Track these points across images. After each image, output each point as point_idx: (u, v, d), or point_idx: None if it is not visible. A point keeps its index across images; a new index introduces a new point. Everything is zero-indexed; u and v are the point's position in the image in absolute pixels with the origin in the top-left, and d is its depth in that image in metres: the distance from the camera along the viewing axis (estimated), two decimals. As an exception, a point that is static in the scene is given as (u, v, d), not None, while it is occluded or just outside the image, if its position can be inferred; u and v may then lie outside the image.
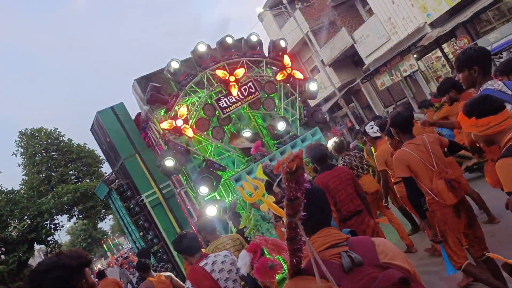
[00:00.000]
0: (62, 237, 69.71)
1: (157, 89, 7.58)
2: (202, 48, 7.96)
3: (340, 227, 4.40)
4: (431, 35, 17.57)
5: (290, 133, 8.15)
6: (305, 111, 8.59)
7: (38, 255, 31.42)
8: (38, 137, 29.98)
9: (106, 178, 10.44)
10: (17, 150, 30.08)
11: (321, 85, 26.14)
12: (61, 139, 30.31)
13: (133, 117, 8.87)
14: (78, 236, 59.86)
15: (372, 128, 5.83)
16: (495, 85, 3.16)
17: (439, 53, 19.40)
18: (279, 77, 8.53)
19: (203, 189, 7.13)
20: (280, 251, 1.72)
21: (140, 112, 8.51)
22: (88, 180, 29.23)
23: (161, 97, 7.60)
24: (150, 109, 7.88)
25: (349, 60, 26.14)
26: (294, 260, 1.45)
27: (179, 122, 7.16)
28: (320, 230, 1.64)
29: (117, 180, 9.25)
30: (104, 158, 19.61)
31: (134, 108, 8.81)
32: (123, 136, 8.46)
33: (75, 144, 30.58)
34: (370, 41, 21.27)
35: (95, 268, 55.26)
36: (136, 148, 8.50)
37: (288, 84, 8.65)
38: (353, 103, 26.96)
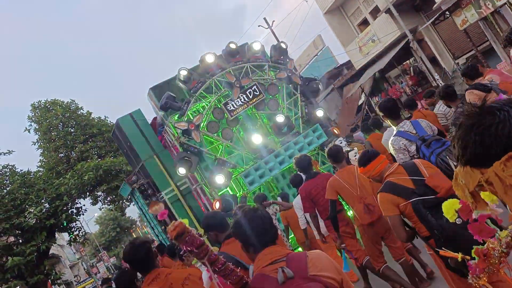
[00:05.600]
0: (91, 227, 76.83)
1: (171, 97, 10.97)
2: (210, 59, 11.30)
3: (325, 224, 7.06)
4: None
5: (293, 131, 11.43)
6: (306, 109, 11.83)
7: (67, 245, 34.41)
8: (53, 110, 32.55)
9: (129, 179, 14.02)
10: (30, 125, 32.35)
11: (375, 38, 28.11)
12: (79, 113, 33.14)
13: (149, 121, 12.42)
14: (107, 226, 66.64)
15: (341, 142, 8.91)
16: (404, 126, 5.65)
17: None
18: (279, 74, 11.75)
19: (219, 179, 10.59)
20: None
21: (156, 117, 12.02)
22: (112, 158, 30.67)
23: (174, 104, 11.00)
24: (165, 114, 11.35)
25: (409, 4, 26.83)
26: (233, 280, 2.54)
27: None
28: (265, 249, 2.58)
29: (138, 180, 12.94)
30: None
31: (150, 112, 12.29)
32: (142, 139, 11.99)
33: (95, 118, 33.41)
34: (443, -29, 21.09)
35: None
36: (154, 150, 12.00)
37: (290, 85, 11.87)
38: (413, 57, 28.23)
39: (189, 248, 2.58)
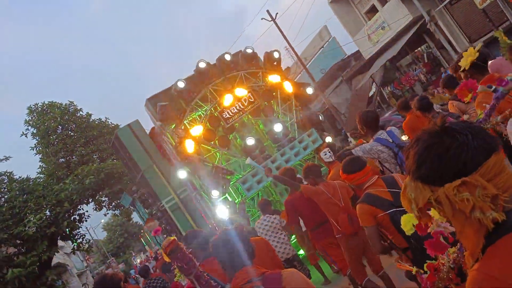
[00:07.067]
0: (99, 234, 78.94)
1: (167, 107, 12.17)
2: (202, 65, 12.48)
3: (310, 235, 8.04)
4: None
5: (289, 136, 12.61)
6: (301, 115, 13.00)
7: (71, 253, 34.68)
8: (50, 113, 33.71)
9: (129, 189, 15.35)
10: (27, 129, 33.45)
11: (385, 25, 28.80)
12: (79, 115, 34.44)
13: (148, 131, 13.67)
14: (114, 232, 68.97)
15: (326, 154, 9.92)
16: (382, 135, 6.77)
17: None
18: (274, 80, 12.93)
19: (215, 193, 11.80)
20: None
21: (154, 127, 13.23)
22: (114, 160, 31.40)
23: (170, 114, 12.21)
24: (162, 124, 12.56)
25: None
26: None
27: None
28: (242, 268, 2.96)
29: (139, 190, 14.20)
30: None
31: (148, 122, 13.60)
32: (141, 149, 13.22)
33: (95, 120, 34.74)
34: None
35: (135, 262, 64.10)
36: (153, 160, 13.25)
37: (284, 90, 13.06)
38: (426, 44, 28.69)
39: (179, 264, 3.13)
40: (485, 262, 1.47)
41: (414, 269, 2.92)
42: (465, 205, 1.45)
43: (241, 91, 12.68)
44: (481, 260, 1.49)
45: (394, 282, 6.31)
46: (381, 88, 29.96)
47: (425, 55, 28.96)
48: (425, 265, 2.59)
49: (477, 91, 4.56)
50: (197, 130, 12.19)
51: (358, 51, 30.51)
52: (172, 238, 3.25)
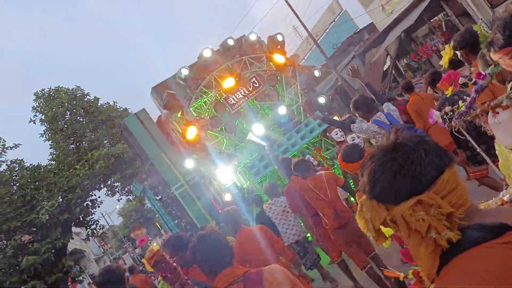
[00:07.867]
0: (114, 219, 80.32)
1: (172, 95, 12.81)
2: (207, 54, 13.08)
3: (312, 220, 8.47)
4: None
5: (295, 120, 13.19)
6: (306, 97, 13.57)
7: (86, 239, 34.92)
8: (58, 99, 34.18)
9: (139, 177, 16.08)
10: (35, 116, 33.88)
11: None
12: (86, 99, 35.03)
13: (155, 119, 14.32)
14: (130, 217, 70.46)
15: (337, 134, 10.55)
16: (381, 117, 7.53)
17: None
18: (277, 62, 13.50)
19: (224, 173, 12.44)
20: None
21: (161, 115, 13.89)
22: (125, 144, 29.56)
23: (176, 102, 12.84)
24: (168, 112, 13.20)
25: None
26: None
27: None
28: (224, 270, 3.16)
29: (149, 178, 14.93)
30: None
31: (155, 110, 14.23)
32: (148, 138, 13.86)
33: (104, 104, 35.28)
34: None
35: (150, 245, 65.65)
36: (161, 147, 13.90)
37: (289, 74, 13.63)
38: (443, 12, 28.49)
39: (163, 274, 3.34)
40: (440, 282, 1.47)
41: (401, 275, 2.97)
42: (421, 224, 1.46)
43: (246, 76, 13.30)
44: (436, 281, 1.49)
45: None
46: (396, 61, 29.76)
47: (443, 23, 28.26)
48: (410, 272, 2.60)
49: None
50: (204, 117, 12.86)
51: (371, 24, 30.60)
52: (155, 249, 3.51)
